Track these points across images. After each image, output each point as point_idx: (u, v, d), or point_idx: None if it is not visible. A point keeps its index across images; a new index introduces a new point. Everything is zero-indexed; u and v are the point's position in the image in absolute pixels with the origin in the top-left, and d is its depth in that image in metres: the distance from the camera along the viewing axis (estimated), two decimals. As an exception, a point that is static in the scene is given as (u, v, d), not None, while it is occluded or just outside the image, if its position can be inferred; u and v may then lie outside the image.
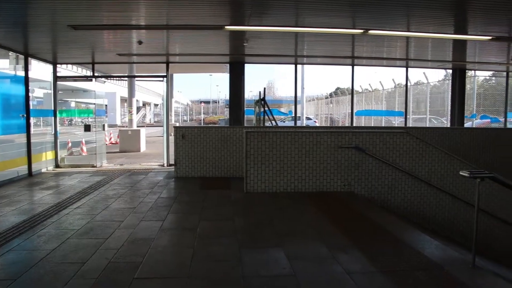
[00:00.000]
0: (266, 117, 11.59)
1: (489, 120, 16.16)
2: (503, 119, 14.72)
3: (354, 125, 15.36)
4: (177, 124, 31.72)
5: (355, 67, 13.49)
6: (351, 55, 11.88)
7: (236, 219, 5.96)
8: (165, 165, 11.91)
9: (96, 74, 12.17)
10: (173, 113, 44.28)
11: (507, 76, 14.80)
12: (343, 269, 4.06)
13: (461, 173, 4.09)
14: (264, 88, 11.99)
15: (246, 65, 12.48)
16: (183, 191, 8.17)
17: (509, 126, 15.15)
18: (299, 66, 13.06)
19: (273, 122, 11.89)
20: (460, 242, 7.01)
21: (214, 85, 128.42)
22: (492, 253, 7.63)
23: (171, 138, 11.13)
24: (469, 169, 4.12)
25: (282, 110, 29.25)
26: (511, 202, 7.79)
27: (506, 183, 4.47)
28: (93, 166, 11.83)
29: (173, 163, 9.93)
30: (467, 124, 15.59)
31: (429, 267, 4.17)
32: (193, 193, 7.86)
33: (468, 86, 16.87)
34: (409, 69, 14.11)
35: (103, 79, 12.80)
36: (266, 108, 11.49)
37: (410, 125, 15.88)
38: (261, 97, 11.68)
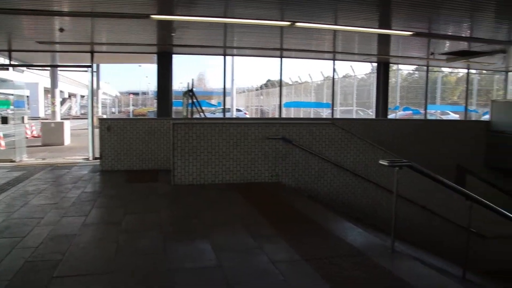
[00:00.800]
0: (195, 108, 11.47)
1: (411, 111, 16.97)
2: (424, 111, 15.48)
3: (284, 117, 15.57)
4: (104, 116, 30.75)
5: (284, 59, 13.65)
6: (279, 47, 12.00)
7: (163, 212, 5.85)
8: (91, 158, 11.49)
9: (13, 63, 11.49)
10: (100, 104, 42.79)
11: (427, 71, 15.56)
12: (269, 258, 4.07)
13: (380, 162, 4.23)
14: (192, 79, 11.88)
15: (174, 55, 12.29)
16: (109, 185, 7.92)
17: (429, 117, 15.96)
18: (228, 58, 13.05)
19: (201, 114, 11.79)
20: (382, 228, 7.28)
21: (143, 76, 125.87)
22: (411, 238, 8.02)
23: (97, 130, 10.74)
24: (388, 159, 4.26)
25: (213, 102, 29.13)
26: (428, 189, 8.19)
27: (422, 171, 4.68)
28: (11, 161, 11.18)
29: (99, 156, 9.59)
30: (391, 116, 16.26)
31: (352, 253, 4.29)
32: (119, 187, 7.64)
33: (393, 80, 17.59)
34: (337, 62, 14.50)
35: (22, 68, 12.13)
36: (195, 100, 11.37)
37: (338, 117, 16.32)
38: (189, 88, 11.54)
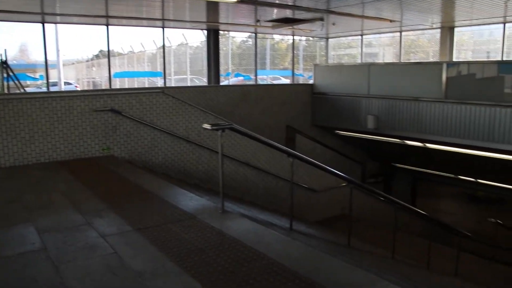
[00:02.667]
0: (13, 83, 10.40)
1: (242, 77, 17.58)
2: (254, 76, 16.15)
3: (117, 88, 15.00)
4: None
5: (113, 27, 13.05)
6: (105, 14, 11.40)
7: (-23, 200, 5.27)
8: None
9: None
10: None
11: (256, 38, 16.17)
12: (98, 233, 3.95)
13: (203, 126, 4.32)
14: (5, 50, 10.66)
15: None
16: None
17: (260, 83, 16.70)
18: (51, 26, 12.03)
19: (22, 89, 10.75)
20: (218, 191, 7.53)
21: None
22: (236, 193, 8.45)
23: None
24: (212, 122, 4.37)
25: (37, 75, 26.72)
26: (252, 149, 8.68)
27: (244, 132, 4.89)
28: None
29: None
30: (225, 83, 16.67)
31: (183, 218, 4.35)
32: None
33: (228, 47, 17.98)
34: (169, 30, 14.28)
35: None
36: (11, 73, 10.29)
37: (172, 85, 16.22)
38: (3, 60, 10.38)
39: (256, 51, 16.04)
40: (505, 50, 15.03)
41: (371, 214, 11.28)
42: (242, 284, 2.97)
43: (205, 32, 15.25)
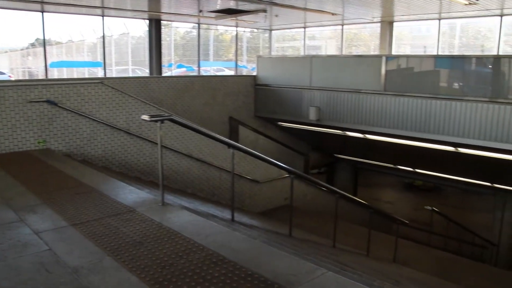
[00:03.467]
0: None
1: (185, 69, 17.39)
2: (197, 67, 16.03)
3: (55, 78, 14.46)
4: None
5: (50, 14, 12.54)
6: (40, 0, 10.93)
7: None
8: None
9: None
10: None
11: (199, 28, 16.04)
12: (32, 230, 3.79)
13: (142, 117, 4.24)
14: None
15: None
16: None
17: (203, 73, 16.59)
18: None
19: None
20: (158, 184, 7.44)
21: None
22: (179, 185, 8.40)
23: None
24: (151, 114, 4.29)
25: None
26: (195, 140, 8.64)
27: (184, 124, 4.84)
28: None
29: None
30: (168, 74, 16.42)
31: (122, 211, 4.26)
32: None
33: (172, 38, 17.69)
34: (110, 19, 13.89)
35: None
36: None
37: (114, 76, 15.80)
38: None
39: (199, 42, 15.91)
40: (440, 45, 15.68)
41: (314, 204, 11.51)
42: (181, 277, 2.95)
43: (147, 22, 14.95)
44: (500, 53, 13.66)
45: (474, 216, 19.08)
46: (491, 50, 14.83)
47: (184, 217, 4.21)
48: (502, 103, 9.02)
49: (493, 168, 11.33)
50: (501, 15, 13.61)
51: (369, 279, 3.90)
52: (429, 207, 11.44)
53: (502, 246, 13.59)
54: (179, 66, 17.41)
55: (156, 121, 4.23)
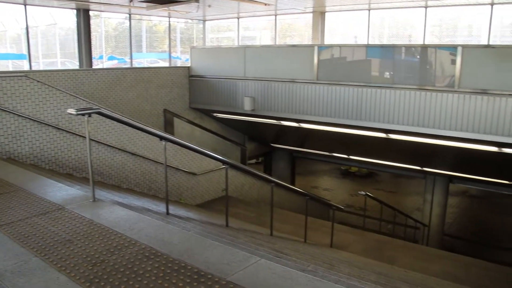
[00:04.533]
0: None
1: (117, 61, 16.92)
2: (130, 59, 15.64)
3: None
4: None
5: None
6: None
7: None
8: None
9: None
10: None
11: (130, 19, 15.63)
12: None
13: (68, 111, 4.09)
14: None
15: None
16: None
17: (137, 65, 16.22)
18: None
19: None
20: (94, 180, 7.22)
21: None
22: (113, 180, 8.23)
23: None
24: (78, 107, 4.15)
25: None
26: (129, 134, 8.48)
27: (113, 117, 4.73)
28: None
29: None
30: (99, 66, 15.92)
31: (50, 210, 4.11)
32: None
33: (104, 29, 17.12)
34: (35, 8, 13.23)
35: None
36: None
37: (41, 69, 15.11)
38: None
39: (130, 33, 15.52)
40: (370, 35, 16.17)
41: (251, 194, 11.62)
42: (112, 273, 2.90)
43: (75, 11, 14.38)
44: (426, 43, 14.28)
45: (406, 199, 19.99)
46: (418, 40, 15.45)
47: (117, 213, 4.12)
48: (429, 90, 9.43)
49: (422, 152, 11.86)
50: (426, 7, 14.23)
51: (303, 264, 3.99)
52: (362, 192, 11.80)
53: (432, 226, 14.29)
54: (110, 58, 16.90)
55: (83, 114, 4.09)
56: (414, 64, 10.19)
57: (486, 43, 13.13)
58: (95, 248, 3.28)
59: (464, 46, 9.08)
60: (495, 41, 14.16)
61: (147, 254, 3.16)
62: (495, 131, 8.65)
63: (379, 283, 4.18)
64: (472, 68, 8.95)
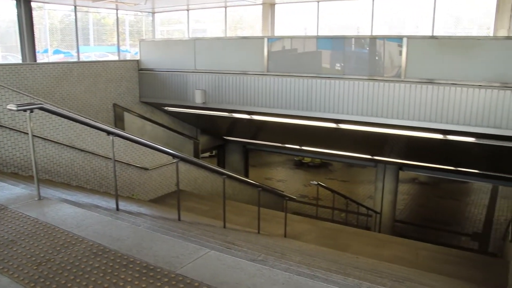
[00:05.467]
0: None
1: (63, 55, 16.42)
2: (76, 53, 15.21)
3: None
4: None
5: None
6: None
7: None
8: None
9: None
10: None
11: (75, 11, 15.18)
12: None
13: (8, 107, 3.94)
14: None
15: None
16: None
17: (84, 59, 15.78)
18: None
19: None
20: (41, 178, 6.99)
21: None
22: (62, 178, 8.01)
23: None
24: (18, 103, 3.99)
25: None
26: (77, 130, 8.27)
27: (57, 112, 4.59)
28: None
29: None
30: (44, 60, 15.38)
31: (-8, 210, 3.96)
32: None
33: (49, 21, 16.53)
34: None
35: None
36: None
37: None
38: None
39: (76, 26, 15.07)
40: (319, 26, 16.38)
41: (205, 188, 11.59)
42: (59, 271, 2.83)
43: (15, 2, 13.81)
44: (374, 34, 14.59)
45: (359, 188, 20.48)
46: (367, 31, 15.77)
47: (63, 210, 4.02)
48: (377, 80, 9.64)
49: (373, 141, 12.13)
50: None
51: (254, 254, 4.02)
52: (314, 182, 12.01)
53: (384, 213, 14.69)
54: (56, 52, 16.35)
55: (24, 110, 3.95)
56: (363, 55, 10.37)
57: (431, 34, 13.56)
58: (40, 247, 3.18)
59: (409, 37, 9.33)
60: (440, 32, 14.67)
61: (94, 251, 3.10)
62: (440, 119, 8.96)
63: (329, 269, 4.26)
64: (418, 59, 9.21)
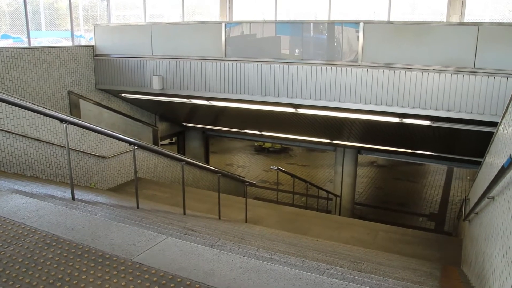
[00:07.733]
0: None
1: (12, 40, 15.76)
2: (27, 38, 14.62)
3: None
4: None
5: None
6: None
7: None
8: None
9: None
10: None
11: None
12: None
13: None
14: None
15: None
16: None
17: (36, 45, 15.19)
18: None
19: None
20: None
21: None
22: (15, 169, 7.78)
23: None
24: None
25: None
26: (30, 119, 8.02)
27: (5, 100, 4.42)
28: None
29: None
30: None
31: None
32: None
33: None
34: None
35: None
36: None
37: None
38: None
39: (26, 9, 14.47)
40: (278, 12, 16.33)
41: (165, 175, 11.48)
42: (9, 264, 2.74)
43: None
44: (332, 19, 14.66)
45: (319, 172, 20.76)
46: (324, 16, 15.84)
47: (15, 201, 3.89)
48: (335, 65, 9.73)
49: (332, 126, 12.28)
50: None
51: (212, 240, 4.01)
52: (274, 167, 12.07)
53: (344, 196, 14.94)
54: (4, 37, 15.70)
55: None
56: (321, 40, 10.43)
57: (387, 19, 13.74)
58: (-10, 240, 3.08)
59: (366, 22, 9.44)
60: (397, 17, 14.88)
61: (48, 242, 3.02)
62: (396, 102, 9.14)
63: (288, 253, 4.31)
64: (374, 43, 9.34)
